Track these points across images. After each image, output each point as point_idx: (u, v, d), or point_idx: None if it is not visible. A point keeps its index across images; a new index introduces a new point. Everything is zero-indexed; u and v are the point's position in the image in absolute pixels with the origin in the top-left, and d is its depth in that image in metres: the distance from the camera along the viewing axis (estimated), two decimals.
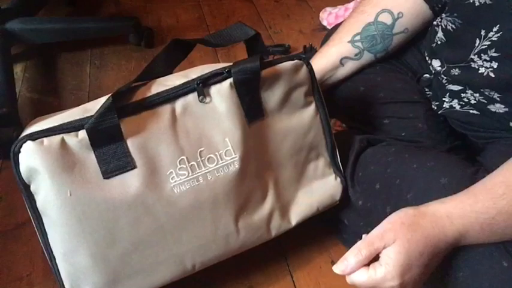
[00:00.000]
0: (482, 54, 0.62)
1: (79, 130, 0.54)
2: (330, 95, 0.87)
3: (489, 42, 0.60)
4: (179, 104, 0.58)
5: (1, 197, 0.85)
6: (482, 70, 0.62)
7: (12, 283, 0.71)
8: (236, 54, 1.27)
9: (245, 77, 0.59)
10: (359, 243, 0.51)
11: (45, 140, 0.53)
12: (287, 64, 0.63)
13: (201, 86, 0.58)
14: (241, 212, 0.63)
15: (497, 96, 0.63)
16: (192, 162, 0.59)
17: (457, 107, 0.69)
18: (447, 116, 0.73)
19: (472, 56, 0.63)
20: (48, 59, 1.25)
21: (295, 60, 0.64)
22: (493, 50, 0.60)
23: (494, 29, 0.59)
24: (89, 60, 1.24)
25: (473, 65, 0.63)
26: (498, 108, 0.64)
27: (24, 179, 0.54)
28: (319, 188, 0.69)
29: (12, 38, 1.14)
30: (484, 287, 0.52)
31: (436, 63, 0.73)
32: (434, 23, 0.73)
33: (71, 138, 0.54)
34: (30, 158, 0.53)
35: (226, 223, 0.62)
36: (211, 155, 0.60)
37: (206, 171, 0.60)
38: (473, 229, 0.51)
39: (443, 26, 0.69)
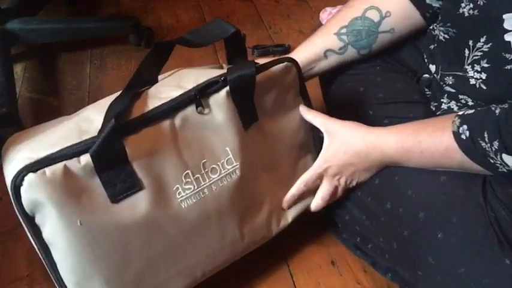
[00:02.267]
0: (475, 65, 0.62)
1: (80, 155, 0.52)
2: (330, 95, 0.87)
3: (481, 53, 0.61)
4: (178, 117, 0.57)
5: (1, 197, 0.85)
6: (473, 82, 0.63)
7: (12, 283, 0.71)
8: None
9: (241, 85, 0.60)
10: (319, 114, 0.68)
11: (47, 170, 0.50)
12: (279, 67, 0.64)
13: (199, 98, 0.57)
14: (244, 218, 0.64)
15: None
16: (197, 175, 0.59)
17: (455, 108, 0.69)
18: None
19: (466, 66, 0.63)
20: (48, 59, 1.25)
21: (286, 63, 0.65)
22: (485, 61, 0.60)
23: (482, 40, 0.60)
24: (89, 60, 1.24)
25: (466, 75, 0.64)
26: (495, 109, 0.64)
27: (27, 211, 0.51)
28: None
29: (12, 38, 1.14)
30: (485, 283, 0.52)
31: (432, 68, 0.73)
32: (431, 27, 0.73)
33: (73, 165, 0.51)
34: (34, 191, 0.50)
35: (232, 230, 0.63)
36: (214, 166, 0.60)
37: (211, 182, 0.60)
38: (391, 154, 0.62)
39: (437, 35, 0.69)
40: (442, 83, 0.70)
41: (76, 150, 0.51)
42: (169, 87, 0.60)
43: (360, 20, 0.76)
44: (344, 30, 0.77)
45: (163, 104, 0.56)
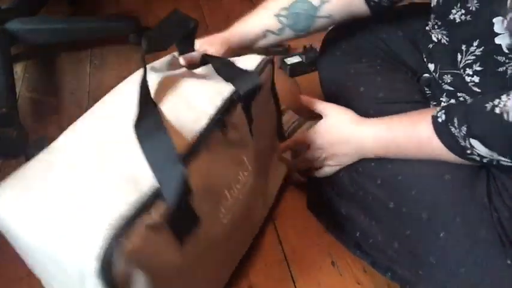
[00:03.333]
0: (467, 69, 0.63)
1: (151, 209, 0.47)
2: (330, 95, 0.87)
3: (474, 57, 0.61)
4: (210, 143, 0.55)
5: None
6: (470, 83, 0.63)
7: (12, 283, 0.71)
8: None
9: (250, 97, 0.62)
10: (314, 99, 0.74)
11: (132, 234, 0.44)
12: (267, 69, 0.66)
13: (223, 119, 0.57)
14: (249, 215, 0.69)
15: None
16: (232, 189, 0.61)
17: None
18: None
19: (460, 69, 0.64)
20: (48, 59, 1.25)
21: (269, 64, 0.67)
22: (478, 64, 0.61)
23: (475, 44, 0.60)
24: (89, 60, 1.24)
25: (463, 75, 0.64)
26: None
27: (117, 283, 0.45)
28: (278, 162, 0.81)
29: (12, 38, 1.14)
30: (486, 283, 0.52)
31: (431, 67, 0.73)
32: (427, 28, 0.73)
33: (149, 222, 0.46)
34: (129, 261, 0.44)
35: (245, 232, 0.71)
36: (239, 177, 0.62)
37: (239, 193, 0.62)
38: (371, 145, 0.65)
39: (435, 37, 0.70)
40: (440, 81, 0.70)
41: (145, 205, 0.46)
42: (181, 110, 0.57)
43: (300, 2, 0.77)
44: (284, 12, 0.78)
45: (198, 135, 0.54)
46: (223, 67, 0.65)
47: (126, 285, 0.45)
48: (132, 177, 0.48)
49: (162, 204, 0.48)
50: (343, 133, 0.68)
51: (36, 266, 0.52)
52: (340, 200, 0.72)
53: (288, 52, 1.27)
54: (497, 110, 0.50)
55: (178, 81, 0.61)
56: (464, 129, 0.52)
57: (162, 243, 0.49)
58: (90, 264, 0.42)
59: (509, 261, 0.51)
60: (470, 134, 0.52)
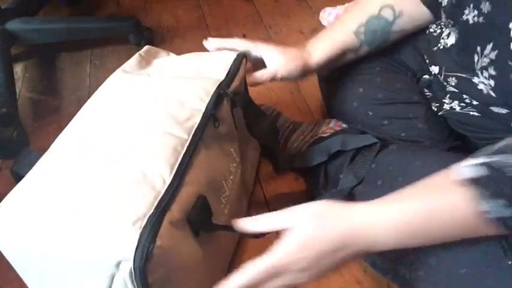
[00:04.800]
0: (484, 71, 0.61)
1: (171, 207, 0.49)
2: (329, 96, 0.87)
3: (488, 60, 0.60)
4: (206, 137, 0.58)
5: (1, 197, 0.85)
6: (481, 87, 0.62)
7: (12, 283, 0.71)
8: None
9: (233, 90, 0.65)
10: (270, 214, 0.51)
11: (161, 233, 0.46)
12: (243, 63, 0.69)
13: (215, 114, 0.60)
14: (241, 205, 0.73)
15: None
16: (227, 181, 0.64)
17: (458, 108, 0.69)
18: (447, 117, 0.73)
19: (477, 71, 0.62)
20: (48, 59, 1.25)
21: (242, 56, 0.70)
22: (492, 68, 0.59)
23: (489, 47, 0.59)
24: (89, 60, 1.24)
25: (474, 80, 0.63)
26: (500, 109, 0.63)
27: (150, 282, 0.46)
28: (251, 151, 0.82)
29: (12, 38, 1.14)
30: (487, 284, 0.51)
31: (435, 69, 0.72)
32: (431, 29, 0.73)
33: (173, 217, 0.48)
34: (162, 262, 0.46)
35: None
36: (231, 168, 0.65)
37: (232, 183, 0.65)
38: (386, 236, 0.48)
39: (446, 34, 0.68)
40: (445, 83, 0.69)
41: (166, 203, 0.48)
42: (173, 109, 0.58)
43: (376, 19, 0.75)
44: (362, 29, 0.75)
45: (195, 132, 0.56)
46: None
47: (159, 282, 0.47)
48: (141, 177, 0.49)
49: (179, 201, 0.49)
50: (331, 238, 0.48)
51: (45, 284, 0.52)
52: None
53: None
54: None
55: (160, 82, 0.63)
56: None
57: (184, 238, 0.51)
58: (126, 266, 0.44)
59: (509, 262, 0.50)
60: None
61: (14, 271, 0.53)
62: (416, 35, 0.78)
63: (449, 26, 0.67)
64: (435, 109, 0.74)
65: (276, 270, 0.48)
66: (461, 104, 0.67)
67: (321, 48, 0.76)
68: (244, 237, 0.74)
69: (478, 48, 0.61)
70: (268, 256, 0.48)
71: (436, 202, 0.46)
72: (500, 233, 0.46)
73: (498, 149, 0.46)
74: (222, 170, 0.63)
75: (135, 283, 0.45)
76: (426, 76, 0.76)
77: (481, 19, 0.59)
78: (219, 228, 0.56)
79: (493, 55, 0.59)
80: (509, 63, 0.56)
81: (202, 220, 0.53)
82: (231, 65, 0.67)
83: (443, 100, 0.71)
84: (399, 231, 0.47)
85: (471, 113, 0.68)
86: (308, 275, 0.49)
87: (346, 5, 1.32)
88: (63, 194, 0.48)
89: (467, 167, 0.45)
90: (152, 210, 0.46)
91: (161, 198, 0.48)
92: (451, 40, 0.67)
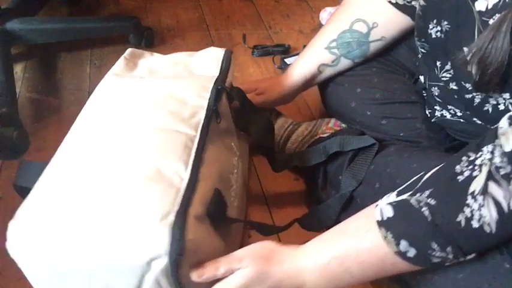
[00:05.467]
0: (450, 83, 0.63)
1: (193, 202, 0.50)
2: (327, 97, 0.87)
3: (450, 75, 0.62)
4: (211, 133, 0.58)
5: (1, 197, 0.85)
6: (456, 96, 0.63)
7: (12, 283, 0.71)
8: (236, 55, 1.27)
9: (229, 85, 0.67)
10: (221, 258, 0.53)
11: (188, 228, 0.46)
12: (231, 59, 0.71)
13: (217, 110, 0.60)
14: (244, 197, 0.73)
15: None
16: (233, 174, 0.64)
17: (448, 116, 0.69)
18: (440, 124, 0.73)
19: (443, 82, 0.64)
20: (48, 59, 1.25)
21: (230, 52, 0.71)
22: (454, 84, 0.62)
23: (448, 65, 0.61)
24: (89, 60, 1.24)
25: (449, 87, 0.64)
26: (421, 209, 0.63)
27: (182, 276, 0.47)
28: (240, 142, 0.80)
29: (12, 38, 1.14)
30: None
31: (421, 78, 0.74)
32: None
33: (196, 212, 0.49)
34: (191, 254, 0.48)
35: (243, 213, 0.73)
36: (234, 163, 0.66)
37: (237, 176, 0.66)
38: (313, 275, 0.53)
39: (419, 47, 0.70)
40: (431, 93, 0.70)
41: (187, 198, 0.49)
42: (176, 108, 0.59)
43: (348, 32, 0.77)
44: (334, 44, 0.78)
45: (201, 128, 0.57)
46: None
47: (189, 276, 0.48)
48: (157, 175, 0.50)
49: (198, 196, 0.50)
50: (281, 272, 0.53)
51: None
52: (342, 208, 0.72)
53: (288, 52, 1.27)
54: (475, 224, 0.44)
55: (156, 83, 0.63)
56: (450, 250, 0.46)
57: (207, 232, 0.51)
58: (158, 263, 0.44)
59: (507, 265, 0.50)
60: (459, 253, 0.47)
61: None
62: (412, 36, 0.78)
63: (417, 39, 0.69)
64: (428, 115, 0.74)
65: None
66: (450, 112, 0.68)
67: (296, 69, 0.81)
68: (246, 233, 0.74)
69: (438, 63, 0.63)
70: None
71: (353, 244, 0.51)
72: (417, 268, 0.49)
73: (423, 182, 0.49)
74: (228, 165, 0.63)
75: (169, 279, 0.46)
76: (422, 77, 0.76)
77: (442, 35, 0.61)
78: (234, 221, 0.59)
79: (452, 72, 0.61)
80: (463, 84, 0.58)
81: (219, 213, 0.54)
82: (222, 61, 0.68)
83: (435, 107, 0.71)
84: (322, 276, 0.53)
85: (461, 120, 0.68)
86: None
87: None
88: (79, 200, 0.48)
89: (384, 207, 0.50)
90: (176, 207, 0.47)
91: (183, 194, 0.48)
92: (422, 52, 0.69)
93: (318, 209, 0.72)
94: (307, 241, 0.77)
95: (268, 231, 0.67)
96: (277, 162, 0.78)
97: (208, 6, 1.50)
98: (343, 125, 0.83)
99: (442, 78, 0.63)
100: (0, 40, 1.09)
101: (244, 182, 0.74)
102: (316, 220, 0.71)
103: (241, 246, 0.70)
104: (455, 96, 0.63)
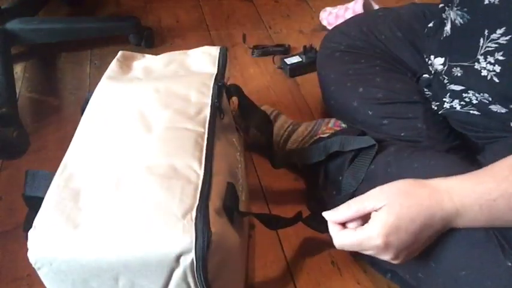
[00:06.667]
0: (488, 56, 0.60)
1: (211, 196, 0.50)
2: (329, 96, 0.87)
3: (496, 45, 0.59)
4: (217, 128, 0.59)
5: (1, 197, 0.85)
6: (484, 73, 0.62)
7: (12, 283, 0.71)
8: (236, 55, 1.27)
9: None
10: (351, 200, 0.51)
11: (211, 222, 0.47)
12: (227, 57, 0.72)
13: (219, 105, 0.61)
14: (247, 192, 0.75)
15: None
16: (238, 169, 0.65)
17: (458, 107, 0.69)
18: (447, 116, 0.73)
19: (478, 56, 0.62)
20: (48, 59, 1.25)
21: (225, 50, 0.72)
22: (500, 54, 0.59)
23: (499, 31, 0.58)
24: (89, 60, 1.24)
25: (476, 66, 0.63)
26: (499, 108, 0.63)
27: (209, 271, 0.47)
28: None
29: (12, 38, 1.14)
30: (487, 285, 0.51)
31: (438, 61, 0.72)
32: (443, 15, 0.72)
33: (215, 206, 0.50)
34: (219, 250, 0.48)
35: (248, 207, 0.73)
36: (238, 158, 0.66)
37: (240, 170, 0.66)
38: (471, 209, 0.50)
39: (452, 18, 0.67)
40: (446, 81, 0.69)
41: (206, 193, 0.50)
42: (181, 107, 0.59)
43: None
44: None
45: (209, 124, 0.58)
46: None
47: (215, 270, 0.48)
48: (172, 172, 0.51)
49: (215, 190, 0.51)
50: (423, 218, 0.50)
51: None
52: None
53: (288, 52, 1.27)
54: None
55: (155, 83, 0.64)
56: None
57: (226, 225, 0.52)
58: (186, 258, 0.45)
59: (509, 263, 0.50)
60: None
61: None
62: (416, 35, 0.78)
63: (458, 8, 0.66)
64: (435, 108, 0.74)
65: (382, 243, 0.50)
66: (462, 102, 0.67)
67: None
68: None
69: (486, 32, 0.60)
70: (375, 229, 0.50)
71: None
72: None
73: None
74: (233, 160, 0.64)
75: (196, 273, 0.46)
76: (426, 75, 0.76)
77: (496, 1, 0.58)
78: (246, 214, 0.60)
79: (503, 40, 0.58)
80: None
81: (234, 206, 0.55)
82: (219, 58, 0.69)
83: (444, 99, 0.71)
84: (485, 212, 0.49)
85: (471, 111, 0.68)
86: (407, 252, 0.52)
87: (346, 5, 1.33)
88: (99, 203, 0.48)
89: None
90: (197, 202, 0.48)
91: (201, 189, 0.49)
92: (456, 25, 0.66)
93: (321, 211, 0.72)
94: (307, 240, 0.78)
95: (275, 224, 0.66)
96: (276, 158, 0.78)
97: (208, 6, 1.50)
98: (343, 125, 0.83)
99: (487, 48, 0.60)
100: (0, 40, 1.09)
101: (246, 177, 0.75)
102: (321, 221, 0.71)
103: None
104: (497, 68, 0.59)
